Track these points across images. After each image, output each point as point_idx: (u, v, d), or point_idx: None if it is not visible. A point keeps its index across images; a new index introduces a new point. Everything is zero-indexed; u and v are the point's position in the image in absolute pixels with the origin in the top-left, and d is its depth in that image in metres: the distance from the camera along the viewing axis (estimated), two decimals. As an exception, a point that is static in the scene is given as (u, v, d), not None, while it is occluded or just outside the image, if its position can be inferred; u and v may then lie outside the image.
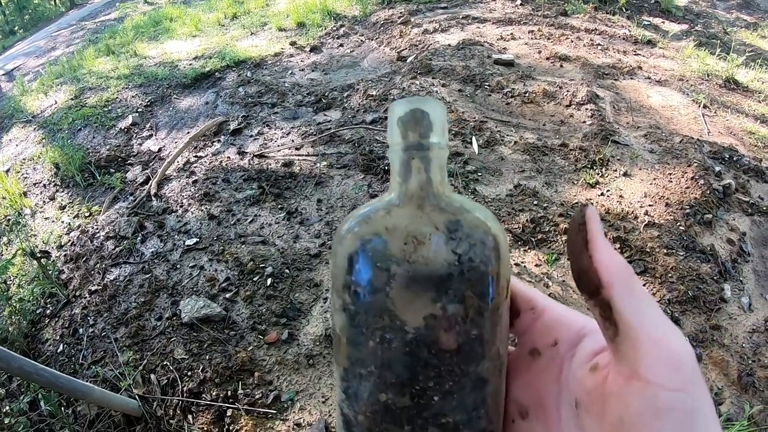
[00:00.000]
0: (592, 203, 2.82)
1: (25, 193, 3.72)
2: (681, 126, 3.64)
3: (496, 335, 0.33)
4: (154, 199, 3.16)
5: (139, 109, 4.43)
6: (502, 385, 0.35)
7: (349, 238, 0.33)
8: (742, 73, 4.60)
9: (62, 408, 2.05)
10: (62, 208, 3.44)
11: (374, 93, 4.00)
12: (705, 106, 3.91)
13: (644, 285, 2.35)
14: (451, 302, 0.31)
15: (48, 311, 2.59)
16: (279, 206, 2.96)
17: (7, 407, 2.05)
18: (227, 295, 2.39)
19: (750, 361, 2.09)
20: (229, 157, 3.49)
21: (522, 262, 2.48)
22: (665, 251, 2.50)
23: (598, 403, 0.28)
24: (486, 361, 0.33)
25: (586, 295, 0.28)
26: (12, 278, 2.90)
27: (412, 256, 0.31)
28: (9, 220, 3.50)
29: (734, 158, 3.24)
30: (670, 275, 2.39)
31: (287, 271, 2.51)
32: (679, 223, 2.68)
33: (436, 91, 3.92)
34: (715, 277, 2.43)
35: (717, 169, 3.09)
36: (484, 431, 0.33)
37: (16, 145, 4.50)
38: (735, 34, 5.88)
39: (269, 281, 2.44)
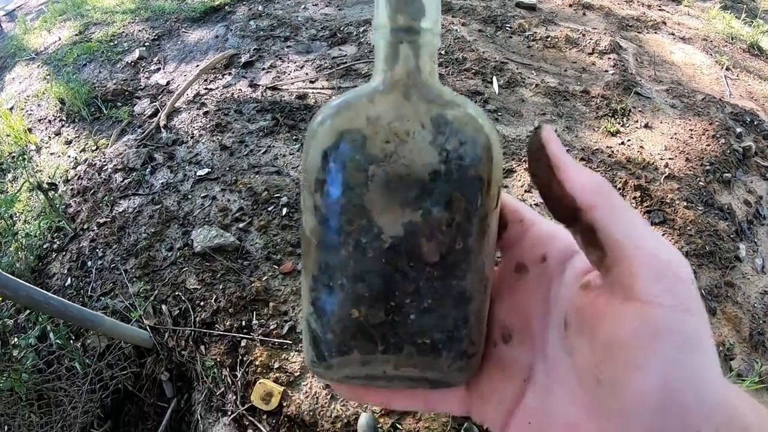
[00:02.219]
0: (612, 151, 2.78)
1: (29, 130, 3.62)
2: (703, 85, 3.57)
3: (483, 247, 0.29)
4: (163, 130, 3.07)
5: (146, 43, 4.28)
6: (486, 305, 0.31)
7: (325, 128, 0.29)
8: (766, 40, 4.48)
9: (71, 341, 2.00)
10: (68, 142, 3.36)
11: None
12: (728, 69, 3.82)
13: (663, 236, 2.33)
14: (435, 206, 0.27)
15: (55, 245, 2.55)
16: (293, 137, 2.89)
17: (15, 340, 1.99)
18: (240, 225, 2.34)
19: (761, 321, 2.12)
20: (240, 90, 3.38)
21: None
22: (685, 204, 2.48)
23: (590, 323, 0.25)
24: (470, 276, 0.29)
25: (565, 224, 0.26)
26: (18, 214, 2.85)
27: (395, 152, 0.27)
28: (14, 156, 3.43)
29: (755, 122, 3.19)
30: (689, 228, 2.37)
31: (302, 201, 2.47)
32: (698, 179, 2.65)
33: (456, 30, 3.80)
34: (731, 236, 2.41)
35: (738, 130, 3.04)
36: (464, 354, 0.30)
37: (20, 83, 4.35)
38: (762, 1, 5.71)
39: (284, 211, 2.40)
